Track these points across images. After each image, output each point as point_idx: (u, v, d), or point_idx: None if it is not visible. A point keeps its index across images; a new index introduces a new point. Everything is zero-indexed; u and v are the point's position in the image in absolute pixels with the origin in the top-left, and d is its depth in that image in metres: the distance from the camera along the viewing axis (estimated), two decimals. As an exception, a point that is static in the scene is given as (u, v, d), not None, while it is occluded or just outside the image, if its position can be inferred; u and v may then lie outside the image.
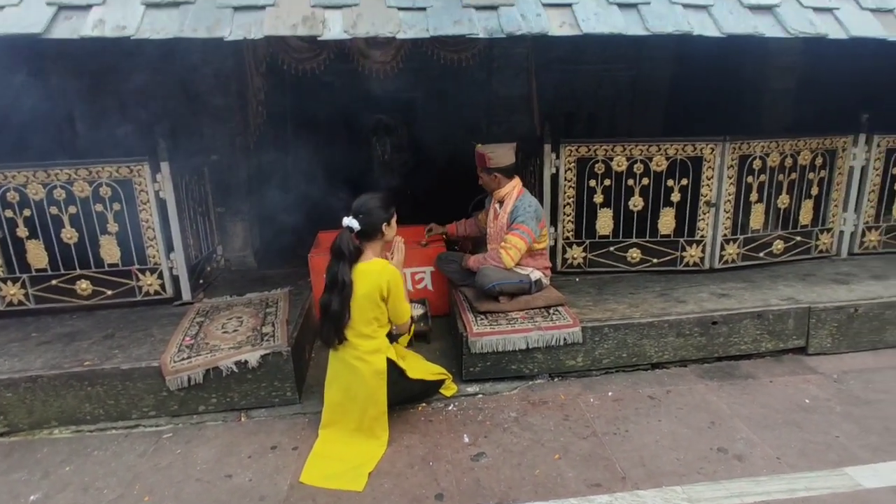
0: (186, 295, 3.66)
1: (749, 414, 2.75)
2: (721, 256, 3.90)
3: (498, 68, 4.85)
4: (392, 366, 2.64)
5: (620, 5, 2.86)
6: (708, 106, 5.29)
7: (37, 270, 3.47)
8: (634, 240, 3.89)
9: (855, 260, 4.12)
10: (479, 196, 4.73)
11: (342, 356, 2.60)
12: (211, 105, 4.14)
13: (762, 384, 3.04)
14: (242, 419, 2.89)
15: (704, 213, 3.84)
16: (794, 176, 3.92)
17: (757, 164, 3.79)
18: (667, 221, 3.86)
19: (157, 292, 3.63)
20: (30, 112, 3.60)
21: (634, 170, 3.73)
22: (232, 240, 4.43)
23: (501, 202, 3.40)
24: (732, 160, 3.74)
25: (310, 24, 2.51)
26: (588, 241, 3.92)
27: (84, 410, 2.83)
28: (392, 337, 2.75)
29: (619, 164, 3.73)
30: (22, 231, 3.40)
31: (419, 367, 2.86)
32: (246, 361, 2.84)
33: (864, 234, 4.15)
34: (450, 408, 2.91)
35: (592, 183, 3.77)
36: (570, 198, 3.85)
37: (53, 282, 3.49)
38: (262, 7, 2.57)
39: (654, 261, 3.91)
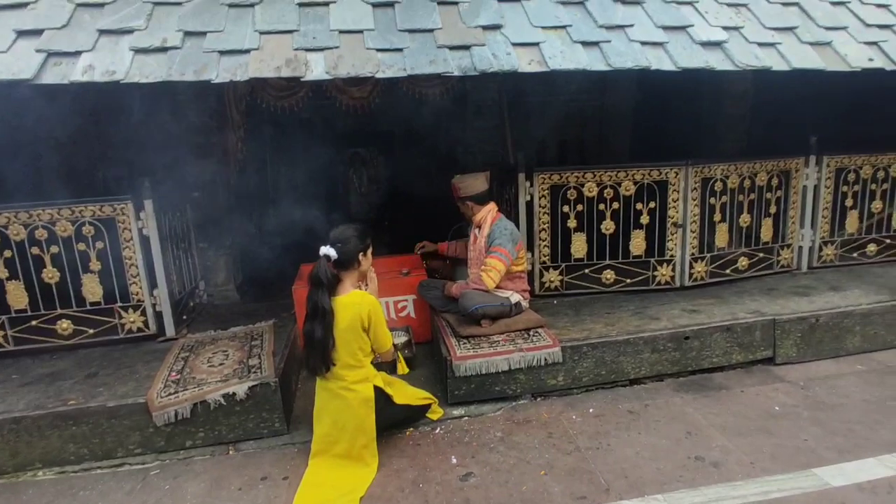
0: (170, 331, 3.67)
1: (723, 423, 2.88)
2: (690, 274, 4.08)
3: (471, 102, 5.06)
4: (379, 393, 2.70)
5: (584, 43, 3.08)
6: (670, 132, 5.59)
7: (16, 311, 3.45)
8: (608, 262, 4.06)
9: (814, 273, 4.36)
10: (457, 224, 4.88)
11: (329, 387, 2.65)
12: (192, 142, 4.22)
13: (734, 394, 3.18)
14: (231, 452, 2.89)
15: (672, 234, 4.04)
16: (752, 196, 4.16)
17: (718, 185, 4.03)
18: (638, 243, 4.04)
19: (140, 329, 3.63)
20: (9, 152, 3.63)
21: (605, 195, 3.92)
22: (214, 274, 4.46)
23: (479, 227, 3.54)
24: (695, 183, 3.96)
25: (293, 66, 2.65)
26: (564, 265, 4.07)
27: (69, 451, 2.80)
28: (379, 366, 2.82)
29: (590, 189, 3.91)
30: (2, 272, 3.39)
31: (405, 393, 2.93)
32: (234, 393, 2.87)
33: (821, 249, 4.40)
34: (437, 431, 2.97)
35: (566, 209, 3.94)
36: (545, 223, 4.01)
37: (33, 322, 3.46)
38: (247, 51, 2.71)
39: (628, 281, 4.07)
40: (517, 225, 3.90)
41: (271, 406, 2.94)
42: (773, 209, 4.25)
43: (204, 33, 2.79)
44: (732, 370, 3.47)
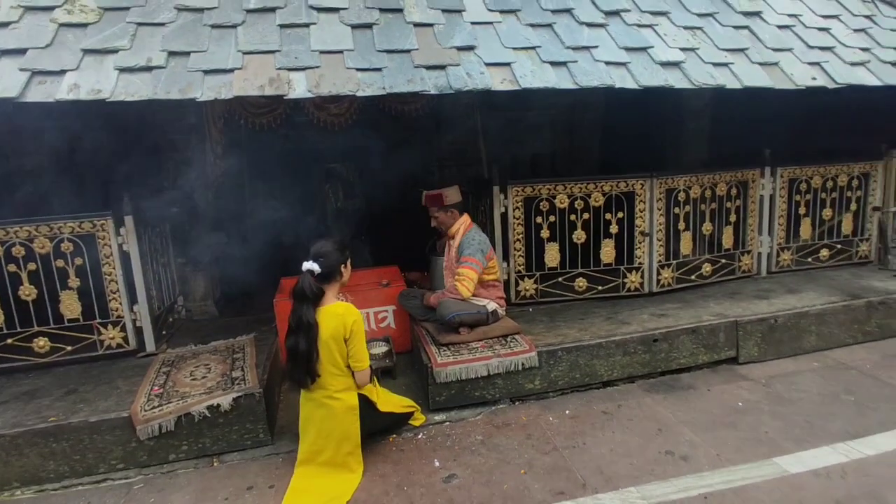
0: (150, 346, 3.67)
1: (691, 420, 3.04)
2: (658, 281, 4.28)
3: (446, 118, 5.21)
4: (364, 400, 2.77)
5: (552, 63, 3.27)
6: (636, 145, 5.84)
7: (-9, 330, 3.42)
8: (580, 270, 4.23)
9: (773, 278, 4.61)
10: (433, 240, 5.00)
11: (314, 397, 2.70)
12: (171, 159, 4.26)
13: (701, 393, 3.36)
14: (215, 464, 2.92)
15: (640, 243, 4.23)
16: (714, 206, 4.40)
17: (682, 196, 4.25)
18: (608, 251, 4.23)
19: (119, 345, 3.63)
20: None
21: (575, 206, 4.10)
22: (193, 289, 4.47)
23: (453, 238, 3.68)
24: (660, 194, 4.18)
25: (276, 85, 2.76)
26: (538, 274, 4.22)
27: (48, 468, 2.78)
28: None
29: (562, 201, 4.09)
30: (-24, 291, 3.36)
31: (389, 401, 3.00)
32: (218, 405, 2.90)
33: (778, 255, 4.67)
34: (419, 436, 3.05)
35: (539, 219, 4.10)
36: (519, 234, 4.16)
37: (9, 340, 3.43)
38: (231, 70, 2.80)
39: (599, 288, 4.24)
40: (493, 236, 4.06)
41: (256, 417, 2.98)
42: (733, 218, 4.49)
43: (188, 53, 2.87)
44: (699, 370, 3.65)
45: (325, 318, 2.66)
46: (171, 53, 2.86)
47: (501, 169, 4.15)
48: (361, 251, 5.73)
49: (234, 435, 2.96)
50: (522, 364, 3.32)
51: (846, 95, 3.89)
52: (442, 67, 3.07)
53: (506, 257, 4.15)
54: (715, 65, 3.55)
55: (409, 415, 3.12)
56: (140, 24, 3.00)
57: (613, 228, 4.17)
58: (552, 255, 4.19)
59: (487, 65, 3.17)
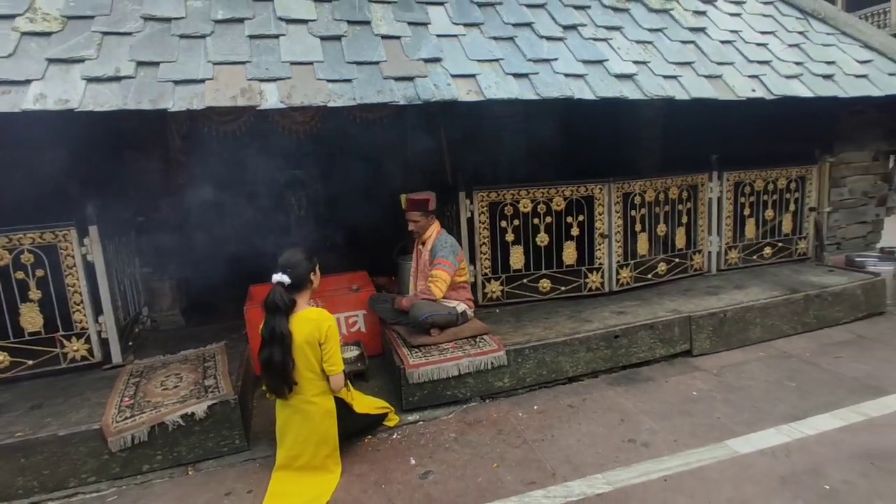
0: (117, 358, 3.61)
1: (650, 409, 3.24)
2: (617, 280, 4.50)
3: (411, 126, 5.32)
4: (340, 403, 2.84)
5: (515, 75, 3.43)
6: (594, 151, 6.11)
7: (-55, 347, 3.30)
8: (544, 271, 4.40)
9: (722, 275, 4.92)
10: (400, 244, 5.09)
11: (291, 402, 2.75)
12: (134, 167, 4.21)
13: (659, 384, 3.57)
14: (190, 472, 2.92)
15: (600, 244, 4.45)
16: (667, 208, 4.67)
17: (637, 199, 4.50)
18: (570, 253, 4.42)
19: (84, 358, 3.56)
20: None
21: (538, 210, 4.28)
22: (159, 299, 4.41)
23: (424, 243, 3.78)
24: (618, 198, 4.41)
25: (248, 96, 2.80)
26: (504, 276, 4.38)
27: (16, 485, 2.73)
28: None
29: (525, 205, 4.26)
30: (-70, 305, 3.24)
31: (364, 402, 3.08)
32: (193, 413, 2.91)
33: (726, 253, 4.98)
34: (394, 436, 3.14)
35: (503, 223, 4.26)
36: (485, 238, 4.31)
37: (-35, 356, 3.33)
38: (202, 80, 2.83)
39: (562, 288, 4.43)
40: (460, 240, 4.18)
41: (231, 423, 3.00)
42: (684, 219, 4.78)
43: (157, 63, 2.89)
44: (657, 363, 3.87)
45: (298, 325, 2.71)
46: (140, 63, 2.87)
47: (465, 175, 4.29)
48: (327, 257, 5.76)
49: (209, 442, 2.97)
50: (492, 363, 3.45)
51: (784, 105, 4.22)
52: (410, 79, 3.18)
53: (473, 260, 4.28)
54: (665, 77, 3.80)
55: (384, 416, 3.20)
56: (106, 34, 2.99)
57: (574, 231, 4.37)
58: (517, 257, 4.36)
59: (454, 76, 3.30)
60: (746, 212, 4.96)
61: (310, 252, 2.89)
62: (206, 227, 5.42)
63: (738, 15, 4.69)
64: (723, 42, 4.32)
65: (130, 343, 3.90)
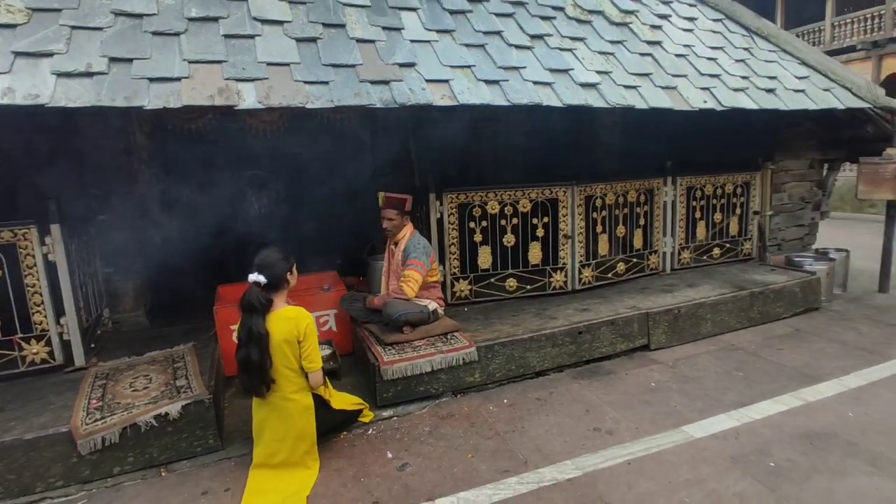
0: (79, 360, 3.52)
1: (613, 400, 3.43)
2: (580, 279, 4.71)
3: (380, 127, 5.38)
4: (318, 399, 2.88)
5: (486, 82, 3.56)
6: (558, 155, 6.32)
7: None
8: (511, 271, 4.56)
9: (676, 274, 5.22)
10: (370, 244, 5.14)
11: (269, 400, 2.76)
12: (96, 165, 4.09)
13: (620, 377, 3.78)
14: (163, 474, 2.89)
15: (564, 245, 4.65)
16: (626, 211, 4.92)
17: (599, 202, 4.72)
18: (535, 253, 4.60)
19: (44, 360, 3.45)
20: None
21: (505, 211, 4.43)
22: (122, 300, 4.30)
23: (397, 243, 3.86)
24: (580, 200, 4.61)
25: (226, 96, 2.81)
26: (472, 275, 4.51)
27: (-22, 491, 2.64)
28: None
29: (493, 207, 4.41)
30: None
31: (340, 399, 3.13)
32: (167, 414, 2.88)
33: (679, 254, 5.29)
34: (370, 432, 3.20)
35: (472, 224, 4.39)
36: (454, 238, 4.42)
37: (-86, 361, 3.17)
38: (178, 79, 2.81)
39: (528, 287, 4.60)
40: (430, 240, 4.28)
41: (205, 423, 2.99)
42: (642, 221, 5.04)
43: (130, 60, 2.85)
44: (618, 357, 4.09)
45: (276, 323, 2.73)
46: (113, 59, 2.82)
47: (434, 177, 4.39)
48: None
49: (183, 443, 2.95)
50: (463, 359, 3.57)
51: (732, 115, 4.53)
52: (386, 83, 3.26)
53: (442, 261, 4.38)
54: (626, 87, 4.02)
55: (359, 412, 3.26)
56: (75, 28, 2.92)
57: (540, 232, 4.55)
58: (485, 257, 4.50)
59: (428, 81, 3.39)
60: (697, 215, 5.29)
61: (286, 251, 2.91)
62: (170, 227, 5.31)
63: (690, 31, 4.99)
64: (677, 55, 4.60)
65: (93, 345, 3.80)
